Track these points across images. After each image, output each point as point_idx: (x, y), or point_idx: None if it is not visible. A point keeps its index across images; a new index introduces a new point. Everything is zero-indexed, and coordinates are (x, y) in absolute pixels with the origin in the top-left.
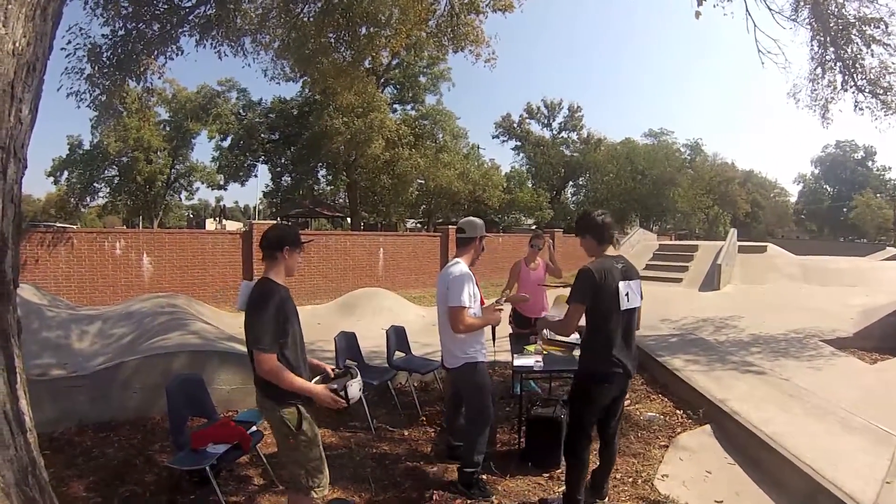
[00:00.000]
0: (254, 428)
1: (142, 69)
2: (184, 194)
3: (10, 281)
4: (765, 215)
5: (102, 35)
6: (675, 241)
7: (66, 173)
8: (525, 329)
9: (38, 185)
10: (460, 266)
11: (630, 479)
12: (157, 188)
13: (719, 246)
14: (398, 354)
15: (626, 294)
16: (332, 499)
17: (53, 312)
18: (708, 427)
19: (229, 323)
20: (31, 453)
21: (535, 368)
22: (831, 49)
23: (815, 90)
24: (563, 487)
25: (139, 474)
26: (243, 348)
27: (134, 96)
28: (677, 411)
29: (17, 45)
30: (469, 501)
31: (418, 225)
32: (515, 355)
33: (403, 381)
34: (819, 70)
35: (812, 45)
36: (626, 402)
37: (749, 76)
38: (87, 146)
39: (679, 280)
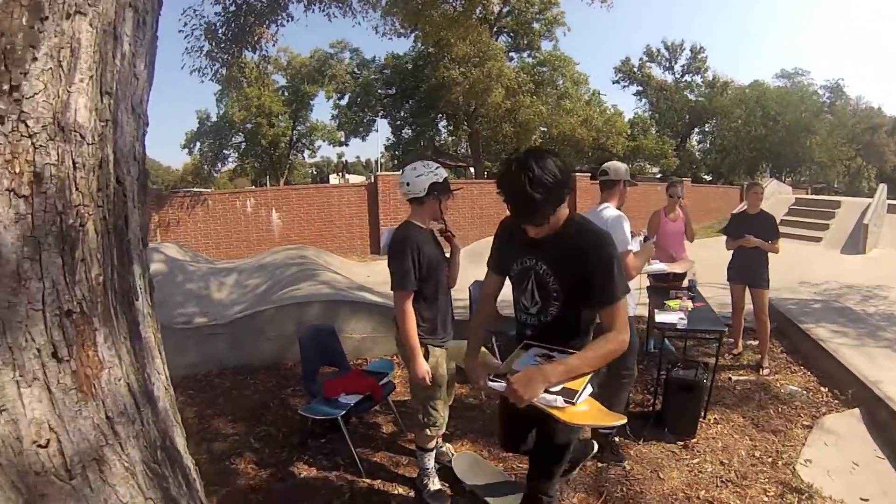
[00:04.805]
0: (386, 379)
1: (256, 39)
2: (306, 153)
3: (134, 241)
4: None
5: (215, 13)
6: (811, 195)
7: (198, 144)
8: (663, 282)
9: (175, 157)
10: (611, 210)
11: (769, 460)
12: (281, 149)
13: (865, 203)
14: None
15: None
16: (461, 452)
17: (194, 267)
18: (857, 411)
19: (358, 272)
20: (161, 424)
21: (678, 326)
22: None
23: None
24: None
25: (273, 416)
26: (374, 297)
27: (251, 66)
28: (822, 388)
29: None
30: (601, 465)
31: None
32: (656, 310)
33: None
34: None
35: None
36: (766, 372)
37: None
38: (214, 118)
39: (818, 239)
